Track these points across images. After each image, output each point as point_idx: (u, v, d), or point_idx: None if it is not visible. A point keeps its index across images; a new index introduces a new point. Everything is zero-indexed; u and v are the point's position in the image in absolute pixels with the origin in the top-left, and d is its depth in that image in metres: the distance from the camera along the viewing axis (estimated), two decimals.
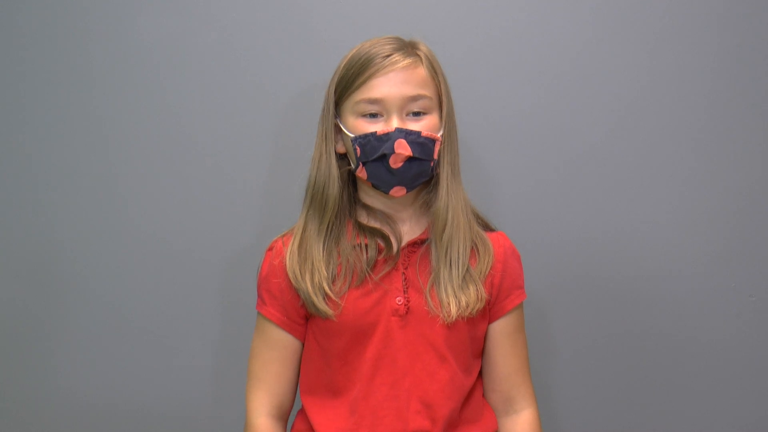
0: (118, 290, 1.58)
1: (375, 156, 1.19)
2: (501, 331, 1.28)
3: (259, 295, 1.29)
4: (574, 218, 1.55)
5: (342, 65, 1.23)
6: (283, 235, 1.29)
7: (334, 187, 1.23)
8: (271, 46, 1.54)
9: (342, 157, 1.26)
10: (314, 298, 1.20)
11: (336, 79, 1.24)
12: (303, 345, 1.28)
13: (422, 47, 1.25)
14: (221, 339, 1.58)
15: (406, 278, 1.24)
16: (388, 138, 1.18)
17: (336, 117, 1.24)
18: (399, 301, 1.22)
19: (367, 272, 1.22)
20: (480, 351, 1.29)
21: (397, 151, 1.17)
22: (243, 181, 1.56)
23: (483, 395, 1.31)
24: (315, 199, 1.25)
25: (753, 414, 1.56)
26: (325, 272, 1.21)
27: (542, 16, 1.53)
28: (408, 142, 1.18)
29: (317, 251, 1.23)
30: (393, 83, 1.19)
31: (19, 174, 1.58)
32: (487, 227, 1.32)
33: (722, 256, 1.55)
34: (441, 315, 1.21)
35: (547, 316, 1.56)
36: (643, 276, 1.55)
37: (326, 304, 1.21)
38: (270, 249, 1.28)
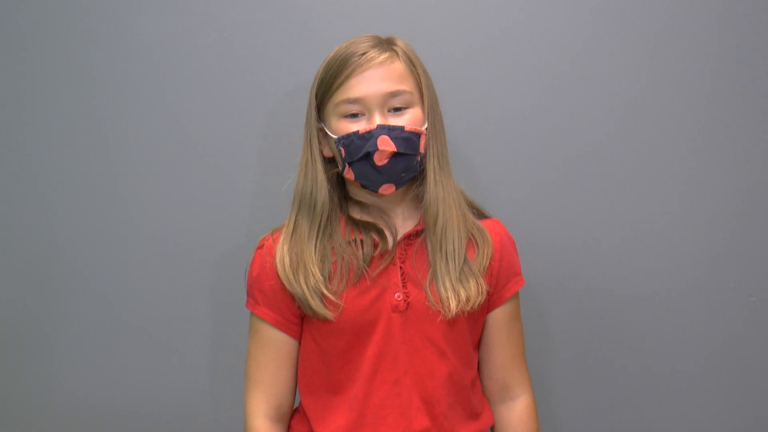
0: (118, 290, 1.58)
1: (359, 155, 1.17)
2: (499, 319, 1.28)
3: (251, 295, 1.26)
4: (574, 218, 1.55)
5: (321, 68, 1.23)
6: (273, 232, 1.27)
7: (323, 191, 1.22)
8: (271, 46, 1.54)
9: (330, 161, 1.25)
10: (311, 302, 1.19)
11: (316, 83, 1.23)
12: (299, 344, 1.27)
13: (399, 42, 1.24)
14: (221, 338, 1.58)
15: (403, 272, 1.22)
16: (370, 136, 1.17)
17: (320, 121, 1.23)
18: (398, 296, 1.21)
19: (364, 269, 1.21)
20: (478, 341, 1.29)
21: (380, 147, 1.16)
22: (243, 181, 1.56)
23: (482, 390, 1.30)
24: (303, 204, 1.23)
25: (753, 414, 1.56)
26: (320, 275, 1.19)
27: (542, 16, 1.53)
28: (391, 138, 1.17)
29: (309, 254, 1.20)
30: (371, 81, 1.18)
31: (19, 174, 1.58)
32: (482, 215, 1.31)
33: (722, 256, 1.55)
34: (441, 311, 1.20)
35: (545, 316, 1.56)
36: (643, 276, 1.55)
37: (324, 306, 1.19)
38: (260, 247, 1.27)
